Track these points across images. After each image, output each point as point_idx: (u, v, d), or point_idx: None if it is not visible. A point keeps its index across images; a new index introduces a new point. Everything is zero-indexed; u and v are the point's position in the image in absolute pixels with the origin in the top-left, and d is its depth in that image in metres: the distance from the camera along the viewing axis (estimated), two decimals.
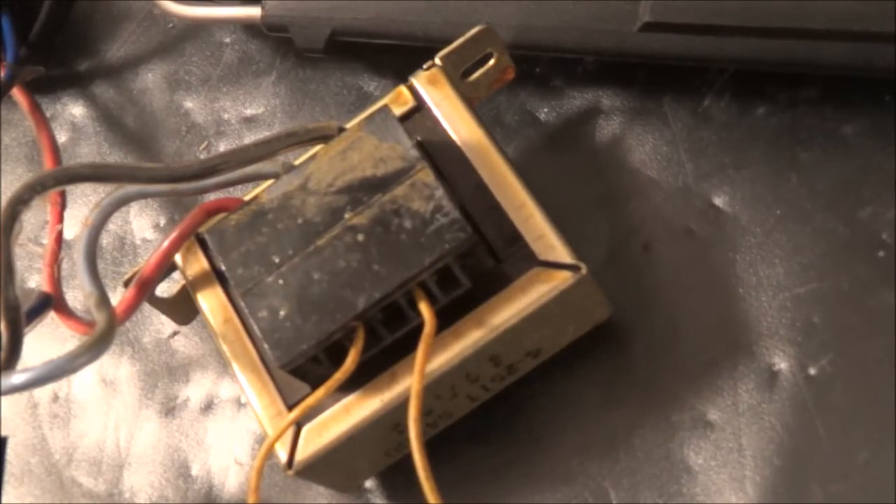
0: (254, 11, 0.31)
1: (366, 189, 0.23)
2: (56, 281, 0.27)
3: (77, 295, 0.30)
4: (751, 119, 0.26)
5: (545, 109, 0.28)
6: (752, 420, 0.23)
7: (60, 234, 0.28)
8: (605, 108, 0.28)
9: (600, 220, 0.26)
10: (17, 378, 0.22)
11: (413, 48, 0.28)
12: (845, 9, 0.23)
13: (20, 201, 0.23)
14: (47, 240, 0.28)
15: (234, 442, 0.29)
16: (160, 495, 0.29)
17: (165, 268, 0.26)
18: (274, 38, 0.32)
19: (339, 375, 0.23)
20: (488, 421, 0.26)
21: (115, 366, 0.31)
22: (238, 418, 0.29)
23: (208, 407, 0.30)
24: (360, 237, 0.23)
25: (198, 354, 0.30)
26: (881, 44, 0.23)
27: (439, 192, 0.23)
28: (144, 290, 0.26)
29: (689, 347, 0.24)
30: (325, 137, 0.25)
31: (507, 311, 0.23)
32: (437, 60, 0.26)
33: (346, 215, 0.23)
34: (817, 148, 0.25)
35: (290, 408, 0.24)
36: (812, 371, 0.23)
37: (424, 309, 0.23)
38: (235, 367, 0.25)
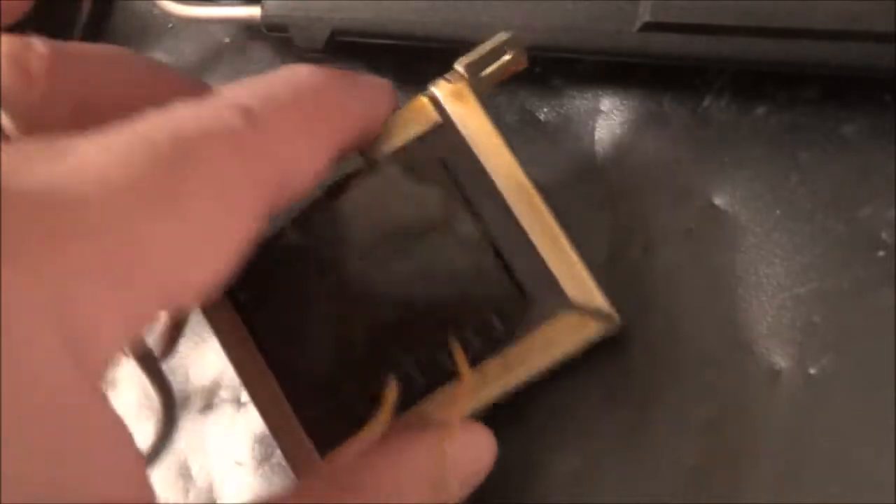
0: (254, 11, 0.31)
1: (404, 236, 0.22)
2: None
3: None
4: (751, 119, 0.26)
5: (545, 109, 0.28)
6: (752, 420, 0.23)
7: None
8: (605, 108, 0.28)
9: (600, 220, 0.26)
10: None
11: (413, 48, 0.28)
12: (845, 9, 0.23)
13: None
14: None
15: (234, 442, 0.29)
16: (160, 495, 0.29)
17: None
18: (274, 38, 0.32)
19: (376, 426, 0.22)
20: (490, 421, 0.26)
21: (115, 366, 0.31)
22: (238, 418, 0.29)
23: (208, 407, 0.30)
24: (398, 289, 0.22)
25: (198, 354, 0.30)
26: (881, 44, 0.23)
27: (481, 247, 0.22)
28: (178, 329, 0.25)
29: (689, 347, 0.24)
30: (355, 172, 0.24)
31: (537, 359, 0.23)
32: (461, 69, 0.24)
33: (383, 265, 0.22)
34: (817, 148, 0.25)
35: (319, 450, 0.23)
36: (812, 371, 0.23)
37: (461, 363, 0.22)
38: (260, 405, 0.24)
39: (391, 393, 0.22)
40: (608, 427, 0.25)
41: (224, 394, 0.29)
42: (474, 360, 0.23)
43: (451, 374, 0.23)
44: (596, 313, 0.22)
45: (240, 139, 0.19)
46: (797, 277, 0.24)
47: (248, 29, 0.33)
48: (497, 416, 0.26)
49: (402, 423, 0.23)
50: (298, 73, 0.22)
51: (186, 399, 0.30)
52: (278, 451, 0.24)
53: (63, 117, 0.24)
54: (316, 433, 0.23)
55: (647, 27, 0.25)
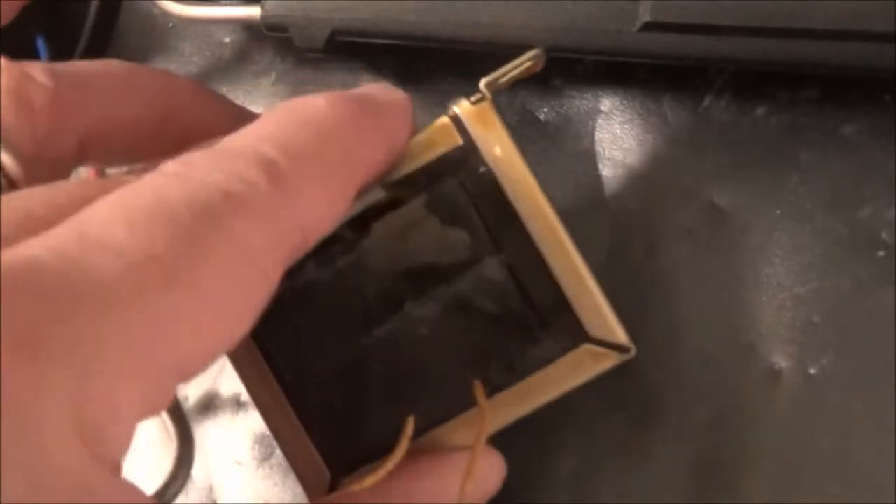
0: (254, 11, 0.31)
1: (429, 277, 0.22)
2: None
3: None
4: (751, 119, 0.26)
5: (545, 109, 0.28)
6: (752, 419, 0.23)
7: None
8: (605, 108, 0.28)
9: (600, 220, 0.26)
10: None
11: (413, 48, 0.28)
12: (845, 9, 0.23)
13: None
14: None
15: (234, 442, 0.29)
16: None
17: None
18: (274, 38, 0.32)
19: (390, 464, 0.22)
20: None
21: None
22: (238, 418, 0.29)
23: (208, 407, 0.30)
24: (423, 331, 0.22)
25: None
26: (881, 44, 0.23)
27: (508, 291, 0.22)
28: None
29: (689, 347, 0.24)
30: (377, 205, 0.23)
31: (553, 388, 0.23)
32: (484, 90, 0.23)
33: (407, 305, 0.22)
34: (817, 148, 0.25)
35: (334, 477, 0.23)
36: (812, 371, 0.23)
37: (482, 400, 0.22)
38: (280, 439, 0.24)
39: (408, 429, 0.22)
40: (608, 427, 0.25)
41: (224, 393, 0.29)
42: (492, 392, 0.23)
43: (467, 404, 0.22)
44: (613, 347, 0.22)
45: (264, 202, 0.19)
46: (797, 277, 0.24)
47: (248, 29, 0.33)
48: None
49: (415, 448, 0.23)
50: (318, 111, 0.21)
51: (186, 398, 0.30)
52: (278, 451, 0.24)
53: (70, 147, 0.24)
54: (334, 465, 0.23)
55: (647, 27, 0.25)
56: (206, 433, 0.29)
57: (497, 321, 0.22)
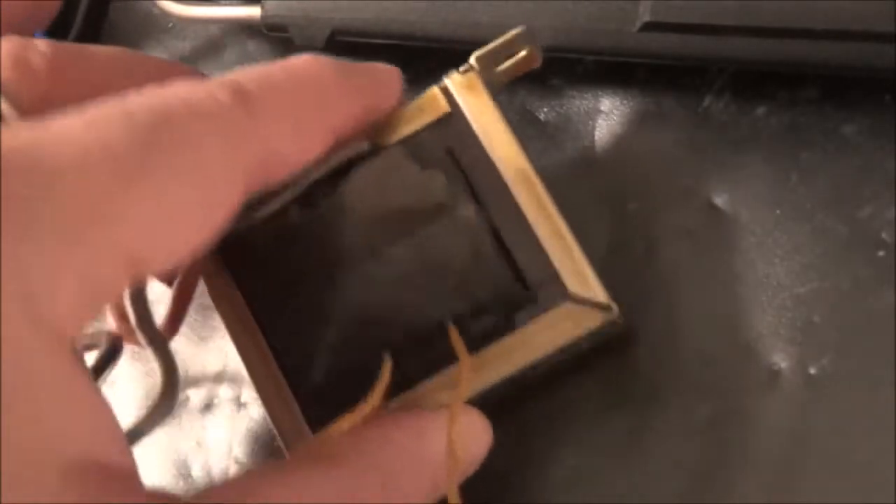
0: (254, 11, 0.31)
1: (405, 220, 0.22)
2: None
3: None
4: (751, 119, 0.26)
5: (545, 109, 0.28)
6: (752, 419, 0.23)
7: None
8: (605, 108, 0.28)
9: (600, 220, 0.26)
10: None
11: (413, 48, 0.28)
12: (845, 9, 0.23)
13: None
14: None
15: (234, 442, 0.29)
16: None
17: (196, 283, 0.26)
18: (274, 37, 0.32)
19: (366, 408, 0.22)
20: (491, 421, 0.26)
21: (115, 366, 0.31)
22: (238, 418, 0.29)
23: (208, 407, 0.30)
24: (396, 271, 0.22)
25: (198, 354, 0.30)
26: (881, 44, 0.23)
27: (480, 234, 0.22)
28: (184, 303, 0.25)
29: (689, 347, 0.24)
30: (358, 157, 0.24)
31: (535, 347, 0.23)
32: (473, 62, 0.25)
33: (383, 247, 0.22)
34: (817, 148, 0.25)
35: (312, 427, 0.24)
36: (812, 371, 0.23)
37: (459, 350, 0.22)
38: (256, 382, 0.24)
39: (386, 372, 0.22)
40: (608, 427, 0.25)
41: (224, 393, 0.29)
42: (474, 349, 0.23)
43: (448, 360, 0.22)
44: (595, 305, 0.22)
45: (226, 118, 0.20)
46: (797, 277, 0.24)
47: (248, 29, 0.33)
48: (497, 416, 0.26)
49: (397, 406, 0.23)
50: (299, 61, 0.23)
51: (186, 398, 0.30)
52: (279, 450, 0.24)
53: None
54: (311, 411, 0.23)
55: (647, 27, 0.25)
56: (206, 433, 0.29)
57: (471, 265, 0.22)
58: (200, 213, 0.19)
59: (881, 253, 0.23)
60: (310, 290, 0.23)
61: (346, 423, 0.22)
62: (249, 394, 0.29)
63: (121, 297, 0.25)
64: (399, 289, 0.22)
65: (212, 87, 0.20)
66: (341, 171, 0.23)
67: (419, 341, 0.22)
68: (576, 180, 0.27)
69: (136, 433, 0.22)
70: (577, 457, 0.25)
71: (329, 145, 0.22)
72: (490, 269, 0.22)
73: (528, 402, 0.25)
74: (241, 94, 0.20)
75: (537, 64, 0.26)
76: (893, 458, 0.22)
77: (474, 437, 0.23)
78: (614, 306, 0.22)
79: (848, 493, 0.22)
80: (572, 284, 0.23)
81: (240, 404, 0.29)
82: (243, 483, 0.20)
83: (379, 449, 0.21)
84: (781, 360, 0.24)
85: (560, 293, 0.23)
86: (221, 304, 0.25)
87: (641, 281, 0.25)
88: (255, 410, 0.29)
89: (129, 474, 0.19)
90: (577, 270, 0.23)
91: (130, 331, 0.26)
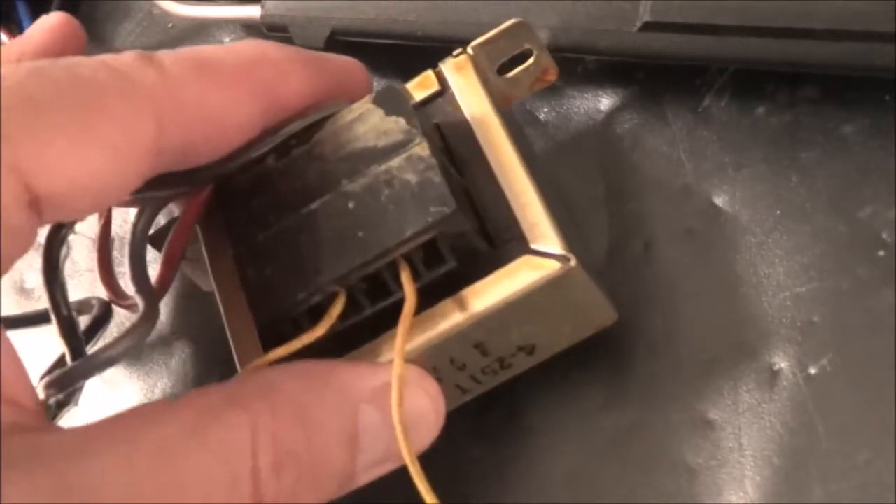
0: (254, 11, 0.31)
1: (365, 159, 0.24)
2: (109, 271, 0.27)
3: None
4: (751, 119, 0.26)
5: (545, 109, 0.28)
6: (752, 420, 0.23)
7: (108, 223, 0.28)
8: (605, 108, 0.28)
9: (600, 219, 0.26)
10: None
11: (413, 48, 0.28)
12: (845, 9, 0.23)
13: None
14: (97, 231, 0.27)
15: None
16: None
17: (189, 236, 0.26)
18: (274, 37, 0.32)
19: (306, 337, 0.23)
20: (488, 419, 0.26)
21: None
22: None
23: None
24: (350, 204, 0.23)
25: (198, 354, 0.30)
26: (881, 44, 0.23)
27: (431, 166, 0.23)
28: (174, 261, 0.26)
29: (689, 347, 0.24)
30: (335, 114, 0.25)
31: (489, 295, 0.23)
32: (469, 49, 0.26)
33: (342, 182, 0.24)
34: (817, 148, 0.25)
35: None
36: (812, 371, 0.23)
37: (406, 284, 0.23)
38: (226, 318, 0.25)
39: (337, 305, 0.23)
40: (607, 427, 0.25)
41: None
42: (429, 296, 0.23)
43: (398, 306, 0.23)
44: (553, 256, 0.23)
45: (137, 77, 0.22)
46: (797, 277, 0.24)
47: (248, 29, 0.33)
48: (495, 416, 0.26)
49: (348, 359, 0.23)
50: (241, 42, 0.25)
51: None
52: None
53: None
54: (269, 341, 0.24)
55: (647, 27, 0.25)
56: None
57: (420, 199, 0.23)
58: (101, 152, 0.21)
59: (881, 253, 0.23)
60: (271, 224, 0.24)
61: (280, 350, 0.23)
62: None
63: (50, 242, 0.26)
64: (352, 223, 0.23)
65: (129, 54, 0.22)
66: (316, 126, 0.25)
67: (373, 279, 0.23)
68: (576, 180, 0.27)
69: (109, 358, 0.22)
70: (576, 457, 0.25)
71: (272, 113, 0.24)
72: (438, 202, 0.23)
73: (525, 400, 0.25)
74: (155, 61, 0.22)
75: (554, 77, 0.26)
76: (893, 458, 0.22)
77: (416, 403, 0.23)
78: (572, 257, 0.22)
79: (848, 493, 0.22)
80: (532, 237, 0.23)
81: None
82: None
83: (300, 401, 0.22)
84: (781, 360, 0.24)
85: (520, 245, 0.23)
86: (211, 251, 0.26)
87: (641, 281, 0.25)
88: None
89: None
90: (537, 224, 0.23)
91: (121, 296, 0.26)
